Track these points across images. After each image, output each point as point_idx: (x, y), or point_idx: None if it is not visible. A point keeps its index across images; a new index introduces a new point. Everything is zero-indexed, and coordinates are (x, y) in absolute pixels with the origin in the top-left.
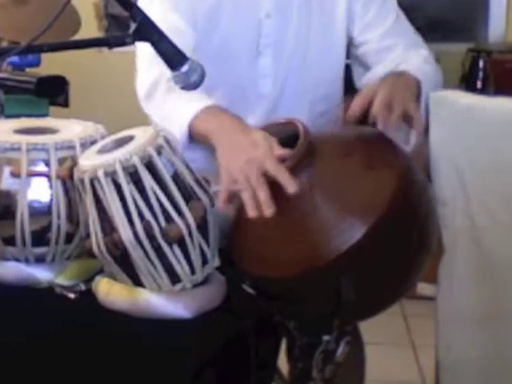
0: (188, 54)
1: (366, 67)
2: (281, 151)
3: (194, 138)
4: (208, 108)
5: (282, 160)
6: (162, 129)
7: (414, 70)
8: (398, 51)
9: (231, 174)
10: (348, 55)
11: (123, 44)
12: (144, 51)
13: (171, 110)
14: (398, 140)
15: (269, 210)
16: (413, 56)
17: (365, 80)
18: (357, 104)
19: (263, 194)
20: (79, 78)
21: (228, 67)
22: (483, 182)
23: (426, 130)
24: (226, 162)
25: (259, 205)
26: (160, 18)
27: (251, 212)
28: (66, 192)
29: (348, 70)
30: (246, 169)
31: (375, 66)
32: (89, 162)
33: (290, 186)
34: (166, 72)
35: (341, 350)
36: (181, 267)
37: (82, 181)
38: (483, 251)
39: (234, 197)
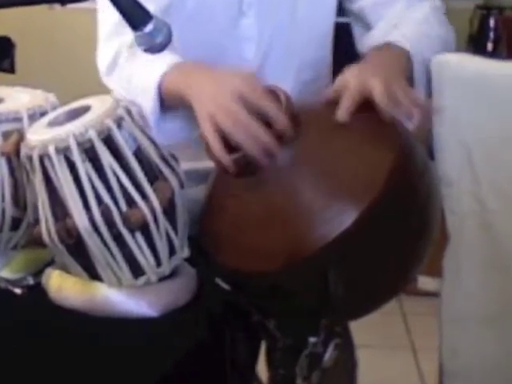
0: (159, 14)
1: (366, 26)
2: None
3: (166, 102)
4: (175, 66)
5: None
6: (122, 98)
7: (409, 37)
8: (399, 6)
9: (208, 115)
10: (346, 13)
11: None
12: (104, 23)
13: (135, 79)
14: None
15: (274, 147)
16: (414, 12)
17: (363, 44)
18: (349, 105)
19: (252, 123)
20: (27, 40)
21: (206, 30)
22: (494, 160)
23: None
24: (198, 104)
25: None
26: None
27: (255, 152)
28: (12, 171)
29: (345, 31)
30: (220, 98)
31: (375, 24)
32: (38, 136)
33: (279, 118)
34: (127, 40)
35: (329, 353)
36: (144, 258)
37: (29, 158)
38: (494, 239)
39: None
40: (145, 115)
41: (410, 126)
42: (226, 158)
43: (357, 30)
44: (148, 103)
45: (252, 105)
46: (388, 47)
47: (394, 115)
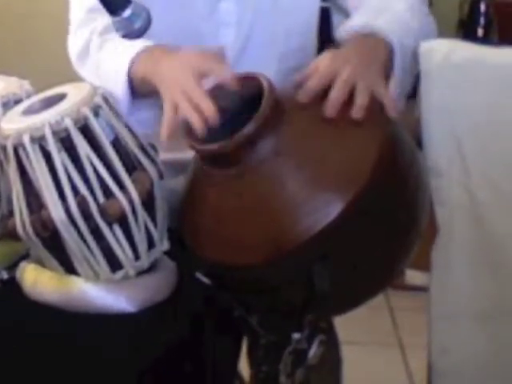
0: None
1: (346, 13)
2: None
3: (136, 88)
4: (143, 50)
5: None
6: (99, 86)
7: (390, 25)
8: None
9: (171, 98)
10: None
11: None
12: (75, 11)
13: (105, 66)
14: None
15: (210, 113)
16: (396, 4)
17: (340, 32)
18: (312, 85)
19: (200, 98)
20: (0, 26)
21: (183, 15)
22: (485, 150)
23: (415, 89)
24: (163, 89)
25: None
26: None
27: (196, 124)
28: None
29: (325, 17)
30: (179, 82)
31: (354, 10)
32: (12, 125)
33: (228, 77)
34: (98, 27)
35: (313, 350)
36: (122, 251)
37: (3, 148)
38: (485, 232)
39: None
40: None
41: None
42: (166, 135)
43: (336, 17)
44: (118, 90)
45: (205, 72)
46: (366, 35)
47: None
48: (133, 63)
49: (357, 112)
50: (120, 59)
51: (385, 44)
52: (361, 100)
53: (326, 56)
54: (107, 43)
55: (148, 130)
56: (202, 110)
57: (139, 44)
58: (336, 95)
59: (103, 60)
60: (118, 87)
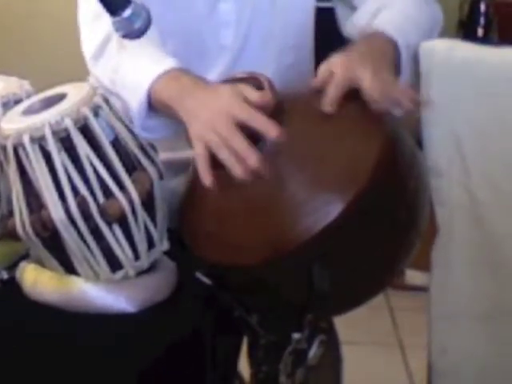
0: None
1: (351, 8)
2: (255, 94)
3: (154, 107)
4: (168, 71)
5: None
6: (100, 85)
7: (396, 22)
8: None
9: (201, 139)
10: None
11: None
12: (88, 3)
13: (124, 74)
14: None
15: (254, 161)
16: None
17: (348, 28)
18: (334, 94)
19: (240, 142)
20: (0, 26)
21: (183, 16)
22: (485, 150)
23: (415, 88)
24: (193, 127)
25: (241, 160)
26: None
27: (239, 173)
28: None
29: (326, 16)
30: (214, 125)
31: (359, 5)
32: (12, 125)
33: (271, 130)
34: None
35: (313, 350)
36: (122, 251)
37: (3, 148)
38: (485, 232)
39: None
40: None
41: (398, 112)
42: (208, 180)
43: (341, 12)
44: (135, 104)
45: (244, 124)
46: (374, 35)
47: (383, 107)
48: (156, 83)
49: (372, 106)
50: (142, 74)
51: (391, 42)
52: (377, 106)
53: (340, 58)
54: (128, 48)
55: (158, 135)
56: (243, 157)
57: (165, 62)
58: (371, 95)
59: (123, 65)
60: (135, 102)
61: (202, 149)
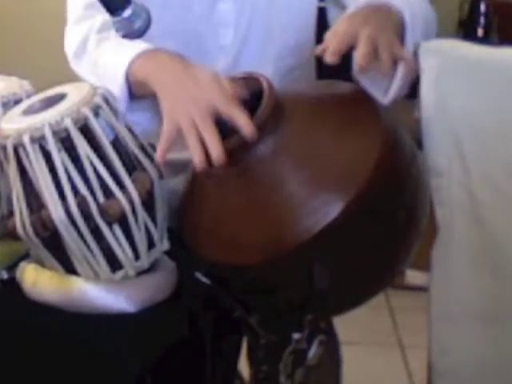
0: None
1: (343, 7)
2: (233, 88)
3: (134, 90)
4: (144, 52)
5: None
6: (99, 86)
7: (399, 1)
8: None
9: (173, 118)
10: None
11: None
12: (72, 7)
13: (104, 64)
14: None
15: (217, 154)
16: None
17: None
18: (335, 50)
19: (210, 135)
20: (0, 25)
21: (182, 16)
22: (485, 150)
23: (415, 88)
24: (167, 104)
25: (207, 153)
26: None
27: (197, 161)
28: None
29: (322, 15)
30: (190, 109)
31: (351, 4)
32: (12, 125)
33: (247, 129)
34: (95, 24)
35: (313, 350)
36: (122, 251)
37: (3, 148)
38: (485, 232)
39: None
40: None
41: (385, 100)
42: (160, 158)
43: (332, 13)
44: (116, 89)
45: (223, 115)
46: (383, 5)
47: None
48: (133, 64)
49: (385, 68)
50: (119, 59)
51: (395, 11)
52: (386, 56)
53: (344, 19)
54: (105, 41)
55: (143, 128)
56: (207, 147)
57: (140, 45)
58: (364, 50)
59: (101, 58)
60: (116, 87)
61: (170, 127)
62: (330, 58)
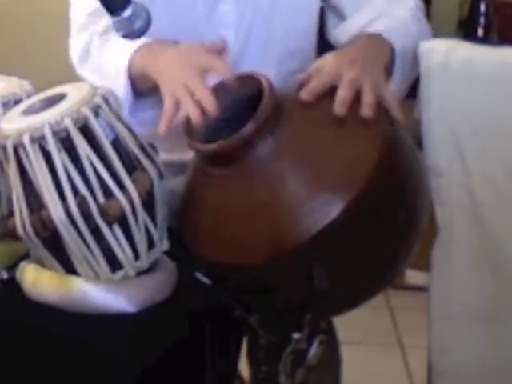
0: None
1: (340, 16)
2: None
3: (138, 85)
4: (141, 47)
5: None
6: (99, 86)
7: (391, 28)
8: (380, 1)
9: (169, 92)
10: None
11: None
12: (76, 15)
13: (106, 65)
14: None
15: (209, 105)
16: (393, 8)
17: (338, 32)
18: (316, 85)
19: (201, 92)
20: (1, 25)
21: (183, 16)
22: (485, 149)
23: (415, 89)
24: (163, 83)
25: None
26: None
27: (194, 117)
28: None
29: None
30: (179, 77)
31: (349, 15)
32: (12, 125)
33: (222, 68)
34: (98, 29)
35: (313, 350)
36: (122, 251)
37: (3, 148)
38: (485, 232)
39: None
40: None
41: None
42: (163, 131)
43: (330, 20)
44: (120, 89)
45: (203, 67)
46: (367, 35)
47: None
48: (132, 60)
49: (366, 110)
50: (119, 58)
51: (387, 45)
52: (369, 99)
53: (331, 56)
54: (107, 44)
55: (151, 129)
56: (201, 102)
57: (138, 42)
58: (344, 94)
59: (104, 60)
60: (120, 86)
61: (169, 101)
62: (305, 96)
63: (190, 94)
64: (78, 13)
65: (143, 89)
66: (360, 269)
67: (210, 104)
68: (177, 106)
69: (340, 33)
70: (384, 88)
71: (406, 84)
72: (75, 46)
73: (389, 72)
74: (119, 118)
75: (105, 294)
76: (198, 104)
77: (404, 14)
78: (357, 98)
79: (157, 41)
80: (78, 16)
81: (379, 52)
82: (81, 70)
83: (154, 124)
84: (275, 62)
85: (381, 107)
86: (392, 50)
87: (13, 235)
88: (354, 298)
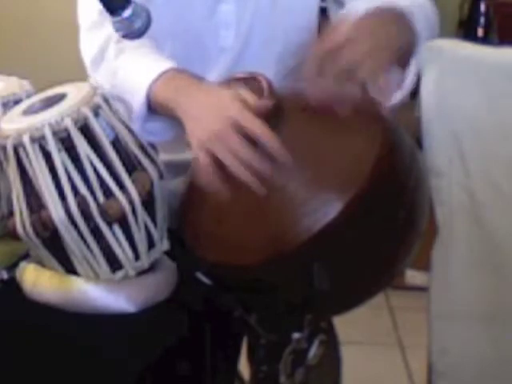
0: None
1: (340, 4)
2: (258, 102)
3: (154, 108)
4: (165, 73)
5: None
6: (99, 85)
7: (406, 3)
8: None
9: (202, 143)
10: None
11: None
12: (86, 12)
13: (123, 77)
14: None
15: (267, 167)
16: None
17: (336, 20)
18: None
19: (247, 151)
20: (0, 25)
21: (183, 17)
22: (485, 149)
23: (415, 89)
24: (192, 128)
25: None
26: None
27: (253, 184)
28: None
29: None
30: (216, 131)
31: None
32: (12, 125)
33: (272, 142)
34: (114, 34)
35: (313, 350)
36: (122, 251)
37: (3, 148)
38: (485, 232)
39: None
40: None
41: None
42: (215, 187)
43: (333, 12)
44: (136, 106)
45: (247, 133)
46: (380, 11)
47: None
48: (153, 86)
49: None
50: (140, 77)
51: (397, 15)
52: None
53: (354, 23)
54: (125, 53)
55: (160, 138)
56: (255, 169)
57: (162, 64)
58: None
59: (120, 70)
60: (136, 105)
61: (205, 157)
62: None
63: (227, 150)
64: (89, 10)
65: (159, 113)
66: (360, 269)
67: (262, 164)
68: (208, 155)
69: (342, 16)
70: (380, 76)
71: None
72: (88, 45)
73: (405, 57)
74: (119, 118)
75: (105, 294)
76: (243, 163)
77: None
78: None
79: (184, 71)
80: (88, 13)
81: (396, 25)
82: (93, 73)
83: (163, 133)
84: (275, 61)
85: (381, 107)
86: (405, 21)
87: (13, 235)
88: (354, 297)
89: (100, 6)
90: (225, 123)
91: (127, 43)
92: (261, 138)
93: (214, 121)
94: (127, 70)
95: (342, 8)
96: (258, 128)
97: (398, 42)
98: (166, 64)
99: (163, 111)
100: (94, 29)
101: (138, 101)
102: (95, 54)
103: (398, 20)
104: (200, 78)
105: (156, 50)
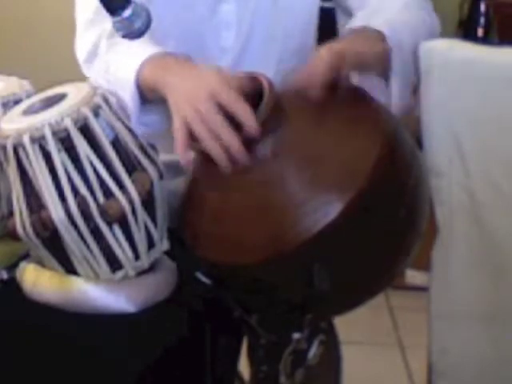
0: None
1: (348, 13)
2: (237, 80)
3: (146, 95)
4: (152, 57)
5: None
6: (99, 85)
7: (388, 20)
8: None
9: (180, 113)
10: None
11: None
12: (82, 11)
13: (114, 70)
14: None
15: (236, 150)
16: (390, 2)
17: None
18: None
19: (220, 123)
20: (0, 25)
21: (183, 17)
22: (485, 149)
23: (415, 89)
24: (172, 100)
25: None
26: None
27: (222, 161)
28: None
29: (332, 17)
30: (193, 101)
31: (356, 11)
32: (12, 125)
33: (250, 122)
34: (106, 29)
35: (313, 350)
36: (122, 251)
37: (3, 148)
38: (485, 232)
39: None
40: (125, 107)
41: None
42: (184, 158)
43: (340, 19)
44: (127, 95)
45: (225, 106)
46: (363, 29)
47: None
48: (142, 69)
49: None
50: (129, 64)
51: (382, 39)
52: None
53: (324, 49)
54: (116, 46)
55: (155, 129)
56: (225, 144)
57: (149, 49)
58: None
59: (112, 63)
60: (127, 93)
61: (179, 123)
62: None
63: (203, 122)
64: (84, 9)
65: (151, 97)
66: (360, 269)
67: (236, 146)
68: (186, 127)
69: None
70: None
71: (411, 77)
72: (82, 44)
73: (386, 69)
74: (119, 118)
75: (105, 294)
76: (218, 139)
77: (399, 6)
78: (355, 97)
79: (171, 53)
80: (83, 13)
81: (372, 41)
82: (86, 70)
83: (158, 125)
84: (275, 61)
85: (381, 107)
86: (387, 45)
87: (13, 235)
88: (354, 297)
89: (96, 5)
90: (204, 95)
91: (118, 38)
92: (234, 109)
93: (194, 89)
94: (117, 63)
95: (349, 16)
96: (233, 100)
97: (379, 47)
98: (152, 49)
99: (153, 94)
100: (88, 27)
101: (129, 89)
102: (88, 53)
103: (367, 33)
104: (187, 57)
105: (149, 40)
